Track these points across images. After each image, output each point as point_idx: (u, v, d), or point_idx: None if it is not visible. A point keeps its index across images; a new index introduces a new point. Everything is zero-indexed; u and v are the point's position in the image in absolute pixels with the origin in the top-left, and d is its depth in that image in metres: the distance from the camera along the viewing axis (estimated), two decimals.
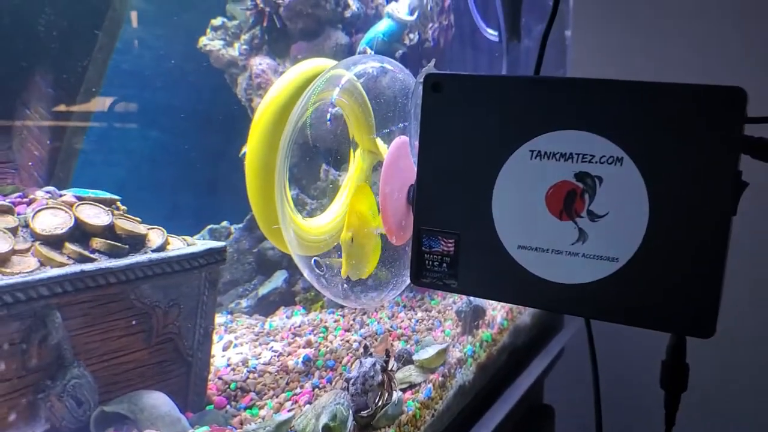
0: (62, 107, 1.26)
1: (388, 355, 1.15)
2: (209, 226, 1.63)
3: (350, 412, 1.06)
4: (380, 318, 1.57)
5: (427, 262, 0.71)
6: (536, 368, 1.71)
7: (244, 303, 1.61)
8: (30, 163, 1.27)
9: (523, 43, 1.71)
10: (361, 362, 1.13)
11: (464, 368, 1.36)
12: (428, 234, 0.71)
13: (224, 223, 1.67)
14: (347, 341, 1.40)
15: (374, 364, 1.12)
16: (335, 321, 1.53)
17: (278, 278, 1.64)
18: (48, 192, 1.07)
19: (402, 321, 1.55)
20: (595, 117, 0.61)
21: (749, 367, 2.19)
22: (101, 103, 1.42)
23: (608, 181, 0.61)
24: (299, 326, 1.50)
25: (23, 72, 1.22)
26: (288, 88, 1.15)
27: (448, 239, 0.70)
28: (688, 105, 0.58)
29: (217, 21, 1.65)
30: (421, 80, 0.71)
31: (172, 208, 1.72)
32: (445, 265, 0.70)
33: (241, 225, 1.68)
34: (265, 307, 1.61)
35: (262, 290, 1.62)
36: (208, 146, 1.72)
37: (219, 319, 1.53)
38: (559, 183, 0.63)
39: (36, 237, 0.97)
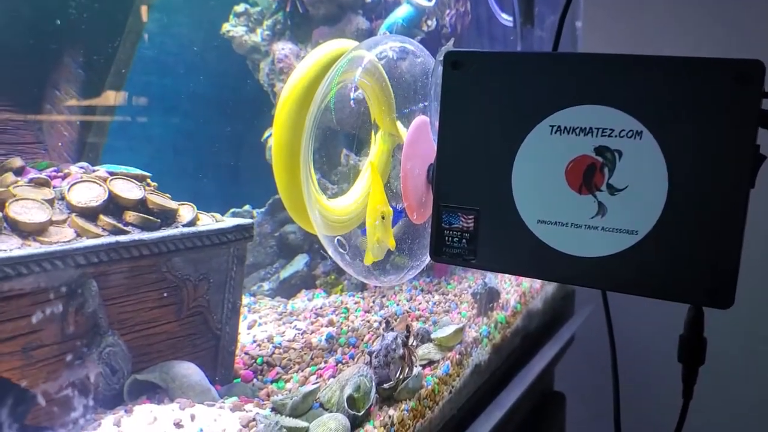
0: (92, 89, 1.28)
1: (408, 331, 1.17)
2: (231, 210, 1.66)
3: (373, 384, 1.08)
4: (399, 301, 1.59)
5: (446, 238, 0.72)
6: (548, 353, 1.73)
7: (266, 286, 1.63)
8: (60, 144, 1.29)
9: (536, 33, 1.73)
10: (383, 336, 1.15)
11: (480, 348, 1.38)
12: (448, 210, 0.72)
13: (246, 207, 1.70)
14: (368, 321, 1.43)
15: (396, 338, 1.14)
16: (356, 303, 1.55)
17: (299, 262, 1.66)
18: (82, 167, 1.09)
19: (420, 303, 1.57)
20: (615, 91, 0.62)
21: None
22: (127, 89, 1.45)
23: (628, 155, 0.62)
24: (321, 308, 1.52)
25: (53, 53, 1.24)
26: (312, 69, 1.17)
27: (467, 215, 0.71)
28: (707, 78, 0.59)
29: (240, 7, 1.67)
30: (441, 58, 0.72)
31: (194, 193, 1.74)
32: (464, 241, 0.71)
33: (263, 209, 1.71)
34: (287, 289, 1.64)
35: (284, 273, 1.65)
36: (230, 132, 1.74)
37: (243, 300, 1.55)
38: (579, 157, 0.64)
39: (72, 209, 0.99)
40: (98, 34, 1.26)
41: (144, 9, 1.29)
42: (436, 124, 0.74)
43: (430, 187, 1.11)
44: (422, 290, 1.68)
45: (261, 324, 1.40)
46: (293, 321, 1.42)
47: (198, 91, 1.70)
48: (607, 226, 0.63)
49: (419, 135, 1.12)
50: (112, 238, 0.98)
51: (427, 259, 1.19)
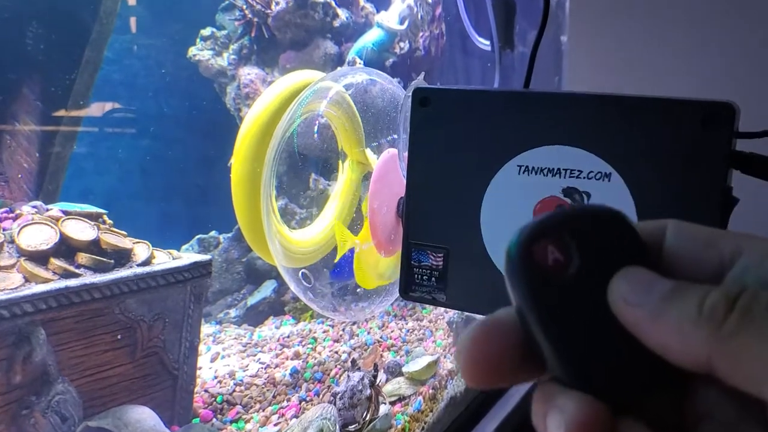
0: (51, 119, 1.26)
1: (376, 369, 1.15)
2: (198, 236, 1.63)
3: (337, 426, 1.06)
4: (370, 328, 1.57)
5: (416, 275, 0.70)
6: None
7: (233, 313, 1.61)
8: (19, 176, 1.27)
9: (517, 49, 1.71)
10: (348, 376, 1.13)
11: (455, 379, 1.35)
12: (417, 248, 0.70)
13: (213, 233, 1.67)
14: (336, 352, 1.41)
15: (362, 378, 1.12)
16: (324, 332, 1.53)
17: (267, 288, 1.64)
18: (35, 207, 1.07)
19: (392, 331, 1.55)
20: (582, 132, 0.60)
21: None
22: (91, 113, 1.42)
23: (596, 197, 0.60)
24: (288, 337, 1.50)
25: (11, 84, 1.22)
26: (275, 100, 1.15)
27: (437, 253, 0.69)
28: (676, 120, 0.57)
29: (206, 31, 1.65)
30: (410, 94, 0.70)
31: (162, 217, 1.72)
32: (434, 279, 0.69)
33: (230, 234, 1.68)
34: (254, 316, 1.61)
35: (251, 300, 1.62)
36: (198, 155, 1.72)
37: (207, 329, 1.53)
38: (547, 198, 0.62)
39: (21, 253, 0.97)
40: (56, 65, 1.23)
41: (104, 39, 1.26)
42: (405, 155, 0.73)
43: (399, 221, 1.09)
44: (395, 316, 1.65)
45: (224, 357, 1.38)
46: (257, 353, 1.40)
47: (165, 113, 1.67)
48: None
49: (387, 170, 1.10)
50: (62, 283, 0.95)
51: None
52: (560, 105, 0.62)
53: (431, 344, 1.48)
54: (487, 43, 1.72)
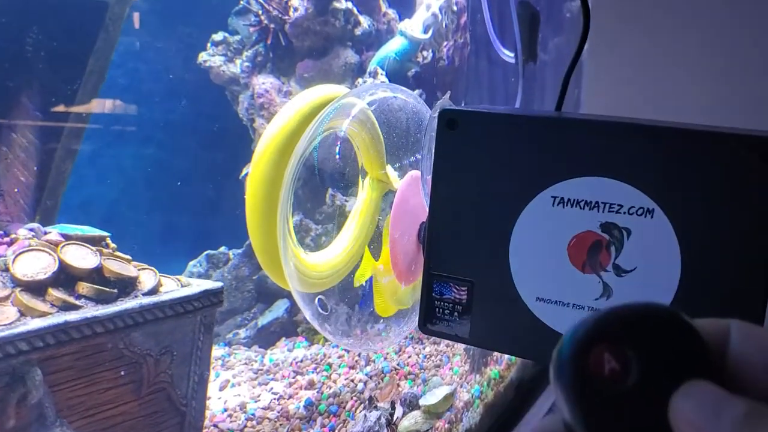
0: (51, 131, 1.18)
1: (393, 407, 1.09)
2: (206, 252, 1.55)
3: None
4: (387, 354, 1.49)
5: (437, 309, 0.65)
6: (544, 404, 1.64)
7: (242, 333, 1.53)
8: (16, 190, 1.19)
9: (539, 57, 1.63)
10: (365, 416, 1.07)
11: (471, 410, 1.29)
12: (439, 280, 0.64)
13: (222, 249, 1.59)
14: (352, 381, 1.32)
15: (379, 418, 1.07)
16: (339, 357, 1.44)
17: (279, 307, 1.56)
18: (32, 230, 0.98)
19: (409, 357, 1.47)
20: (625, 164, 0.55)
21: None
22: (94, 119, 1.34)
23: (637, 234, 0.55)
24: (301, 361, 1.41)
25: (8, 93, 1.14)
26: (294, 117, 1.07)
27: (460, 287, 0.63)
28: (731, 154, 0.52)
29: (218, 36, 1.56)
30: (435, 115, 0.66)
31: (167, 231, 1.64)
32: (456, 314, 0.64)
33: (240, 250, 1.60)
34: (266, 337, 1.53)
35: (262, 320, 1.54)
36: (207, 165, 1.64)
37: (216, 351, 1.45)
38: (583, 233, 0.57)
39: (17, 283, 0.89)
40: (57, 74, 1.15)
41: (110, 46, 1.17)
42: (429, 179, 0.67)
43: (420, 247, 1.02)
44: (412, 338, 1.57)
45: (234, 385, 1.30)
46: (270, 381, 1.32)
47: (172, 120, 1.59)
48: None
49: (409, 195, 1.02)
50: (61, 318, 0.87)
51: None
52: (601, 133, 0.57)
53: (448, 371, 1.41)
54: (512, 55, 1.65)
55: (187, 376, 1.05)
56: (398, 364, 1.41)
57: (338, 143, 1.09)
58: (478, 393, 1.32)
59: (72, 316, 0.87)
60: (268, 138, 1.06)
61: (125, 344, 0.95)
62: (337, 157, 1.09)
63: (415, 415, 1.21)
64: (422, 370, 1.40)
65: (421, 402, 1.23)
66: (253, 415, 1.17)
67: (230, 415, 1.17)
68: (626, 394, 0.23)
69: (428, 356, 1.47)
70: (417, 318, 1.12)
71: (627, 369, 0.23)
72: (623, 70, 2.18)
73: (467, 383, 1.35)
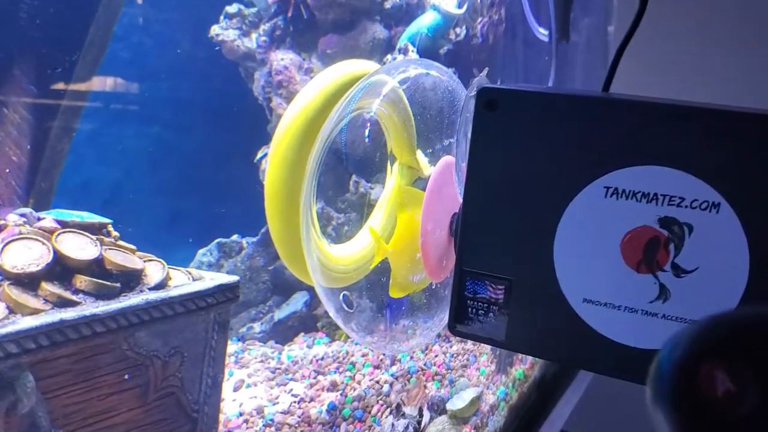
0: (46, 107, 1.07)
1: (421, 414, 1.00)
2: (217, 240, 1.44)
3: None
4: (413, 352, 1.38)
5: (470, 309, 0.61)
6: (567, 403, 1.56)
7: (257, 327, 1.42)
8: (7, 171, 1.09)
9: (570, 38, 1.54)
10: (393, 425, 0.98)
11: (496, 413, 1.24)
12: (473, 277, 0.60)
13: (235, 237, 1.49)
14: (377, 382, 1.22)
15: (407, 427, 0.99)
16: (363, 355, 1.34)
17: (297, 300, 1.45)
18: (23, 215, 0.88)
19: (436, 356, 1.37)
20: (688, 152, 0.51)
21: None
22: (93, 96, 1.24)
23: (699, 231, 0.51)
24: (322, 359, 1.31)
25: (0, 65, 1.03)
26: (319, 96, 0.96)
27: (497, 285, 0.60)
28: None
29: (232, 8, 1.45)
30: (473, 94, 0.60)
31: (174, 216, 1.54)
32: (491, 314, 0.60)
33: (255, 239, 1.49)
34: (282, 332, 1.43)
35: (279, 314, 1.44)
36: (218, 147, 1.54)
37: (228, 347, 1.35)
38: (639, 228, 0.53)
39: (5, 275, 0.79)
40: (55, 45, 1.04)
41: (113, 16, 1.06)
42: (464, 166, 0.63)
43: (452, 239, 0.92)
44: (439, 335, 1.47)
45: (249, 385, 1.20)
46: (288, 381, 1.21)
47: (180, 98, 1.48)
48: (669, 314, 0.53)
49: (442, 183, 0.91)
50: (56, 315, 0.77)
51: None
52: (661, 117, 0.52)
53: (475, 372, 1.34)
54: (546, 32, 1.55)
55: (199, 379, 0.96)
56: (425, 364, 1.32)
57: (368, 125, 0.98)
58: (503, 395, 1.26)
59: (68, 313, 0.79)
60: (290, 119, 0.96)
61: (129, 345, 0.86)
62: (367, 140, 0.99)
63: (442, 421, 1.16)
64: (449, 371, 1.31)
65: (448, 406, 1.18)
66: (271, 420, 1.07)
67: (246, 421, 1.07)
68: (746, 420, 0.21)
69: (455, 355, 1.38)
70: (446, 317, 1.02)
71: (744, 390, 0.21)
72: (652, 51, 2.06)
73: (493, 384, 1.30)
